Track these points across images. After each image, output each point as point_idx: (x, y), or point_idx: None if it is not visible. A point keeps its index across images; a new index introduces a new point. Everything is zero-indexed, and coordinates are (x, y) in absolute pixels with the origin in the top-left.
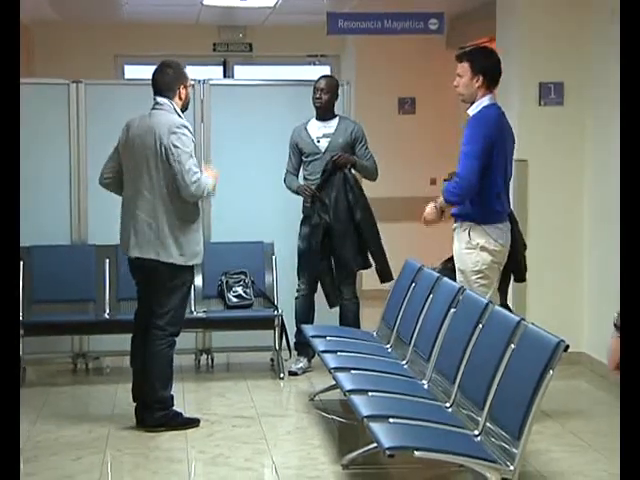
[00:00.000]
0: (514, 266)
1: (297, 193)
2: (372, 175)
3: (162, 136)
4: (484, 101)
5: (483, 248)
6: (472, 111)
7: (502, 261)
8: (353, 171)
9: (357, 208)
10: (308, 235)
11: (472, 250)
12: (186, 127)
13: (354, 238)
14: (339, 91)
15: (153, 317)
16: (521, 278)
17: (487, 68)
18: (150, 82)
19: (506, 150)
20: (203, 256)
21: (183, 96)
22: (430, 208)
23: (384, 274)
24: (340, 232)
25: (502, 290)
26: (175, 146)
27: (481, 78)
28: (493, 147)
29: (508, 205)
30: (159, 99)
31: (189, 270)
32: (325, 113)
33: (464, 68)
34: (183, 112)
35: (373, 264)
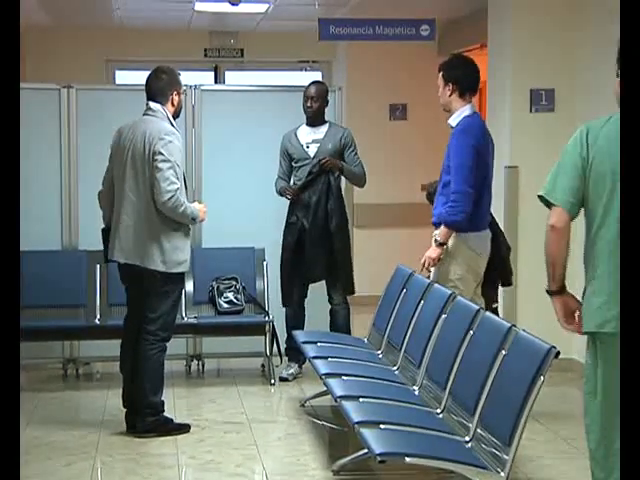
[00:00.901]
0: (500, 272)
1: (281, 194)
2: (360, 181)
3: (151, 142)
4: (465, 110)
5: (458, 258)
6: (453, 121)
7: (479, 271)
8: (342, 178)
9: (334, 215)
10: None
11: (446, 259)
12: (176, 135)
13: (326, 245)
14: (330, 97)
15: (144, 322)
16: (507, 282)
17: (457, 77)
18: (141, 87)
19: (487, 158)
20: (190, 264)
21: (175, 103)
22: (432, 248)
23: (347, 286)
24: (314, 237)
25: (488, 295)
26: (160, 153)
27: (451, 86)
28: (478, 156)
29: (489, 212)
30: (152, 105)
31: (178, 277)
32: (315, 120)
33: (439, 78)
34: (175, 119)
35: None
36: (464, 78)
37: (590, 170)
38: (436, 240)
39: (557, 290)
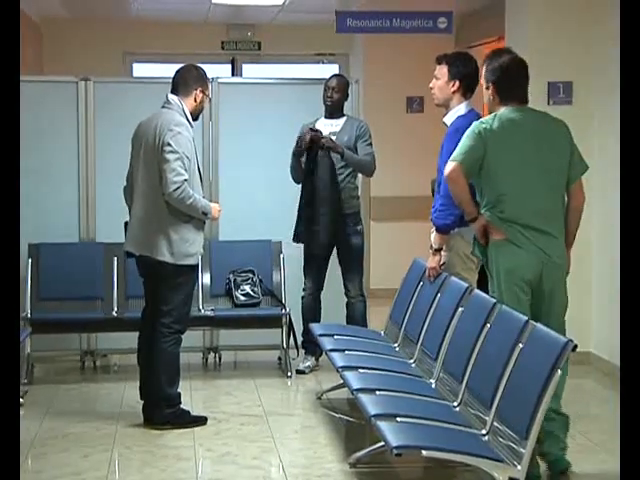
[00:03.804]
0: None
1: (298, 153)
2: (364, 169)
3: (161, 133)
4: (460, 109)
5: (457, 251)
6: (448, 119)
7: (477, 261)
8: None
9: (345, 188)
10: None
11: (447, 253)
12: (185, 126)
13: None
14: (348, 90)
15: (158, 315)
16: None
17: (464, 74)
18: (159, 80)
19: None
20: (206, 256)
21: (198, 100)
22: (430, 258)
23: None
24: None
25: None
26: (168, 144)
27: (457, 83)
28: None
29: None
30: (170, 97)
31: (189, 269)
32: (334, 112)
33: (442, 71)
34: (194, 120)
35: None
36: (470, 77)
37: (487, 150)
38: (432, 247)
39: (474, 217)
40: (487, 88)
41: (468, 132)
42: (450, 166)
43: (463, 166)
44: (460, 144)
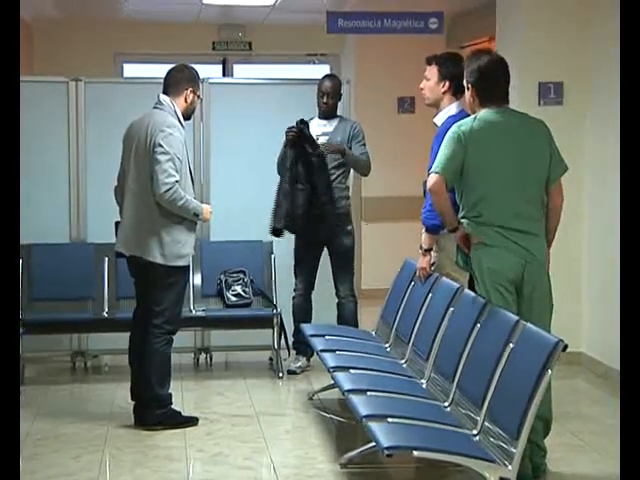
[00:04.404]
0: None
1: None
2: (362, 169)
3: (152, 134)
4: (451, 109)
5: (447, 251)
6: (439, 120)
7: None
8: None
9: (319, 183)
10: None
11: (437, 253)
12: (177, 128)
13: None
14: (341, 89)
15: (150, 315)
16: None
17: (454, 75)
18: (149, 80)
19: None
20: (198, 257)
21: (189, 100)
22: (420, 258)
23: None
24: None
25: None
26: (159, 145)
27: (447, 84)
28: None
29: None
30: (161, 97)
31: (180, 270)
32: (328, 114)
33: (432, 71)
34: (186, 119)
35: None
36: (460, 78)
37: (467, 153)
38: (421, 247)
39: (455, 228)
40: (468, 89)
41: (447, 138)
42: (432, 179)
43: (445, 176)
44: (440, 153)
